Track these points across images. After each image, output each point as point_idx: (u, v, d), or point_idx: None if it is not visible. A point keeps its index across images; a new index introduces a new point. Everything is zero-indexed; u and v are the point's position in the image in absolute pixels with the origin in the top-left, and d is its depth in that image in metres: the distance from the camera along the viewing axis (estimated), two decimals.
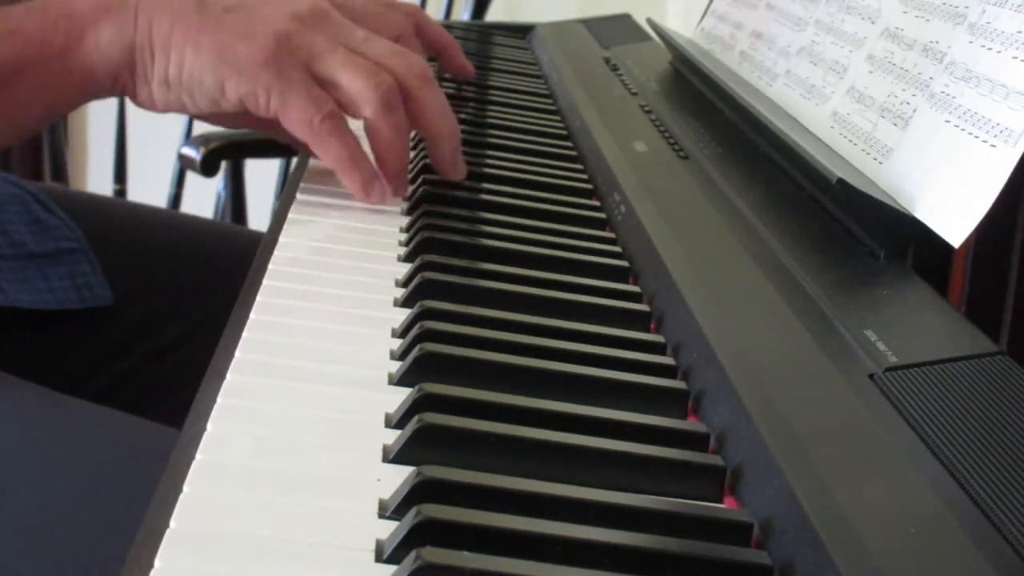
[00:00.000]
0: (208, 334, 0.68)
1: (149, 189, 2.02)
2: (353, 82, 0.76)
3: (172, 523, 0.44)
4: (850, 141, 0.80)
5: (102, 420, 0.81)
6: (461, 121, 1.08)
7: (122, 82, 0.78)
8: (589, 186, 0.91)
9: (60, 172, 1.97)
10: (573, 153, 1.00)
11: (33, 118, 0.80)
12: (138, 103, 0.79)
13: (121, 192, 1.98)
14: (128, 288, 1.05)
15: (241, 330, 0.61)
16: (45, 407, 0.80)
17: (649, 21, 1.29)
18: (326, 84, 0.76)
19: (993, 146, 0.65)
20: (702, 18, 1.20)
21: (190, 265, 1.11)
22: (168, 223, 1.19)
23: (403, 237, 0.78)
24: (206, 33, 0.75)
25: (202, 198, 1.92)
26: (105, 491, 0.74)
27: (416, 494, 0.47)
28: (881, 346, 0.57)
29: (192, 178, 1.79)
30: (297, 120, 0.75)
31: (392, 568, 0.44)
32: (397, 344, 0.62)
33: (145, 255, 1.09)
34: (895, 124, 0.75)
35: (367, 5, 1.13)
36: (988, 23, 0.70)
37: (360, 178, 0.77)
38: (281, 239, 0.74)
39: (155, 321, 1.06)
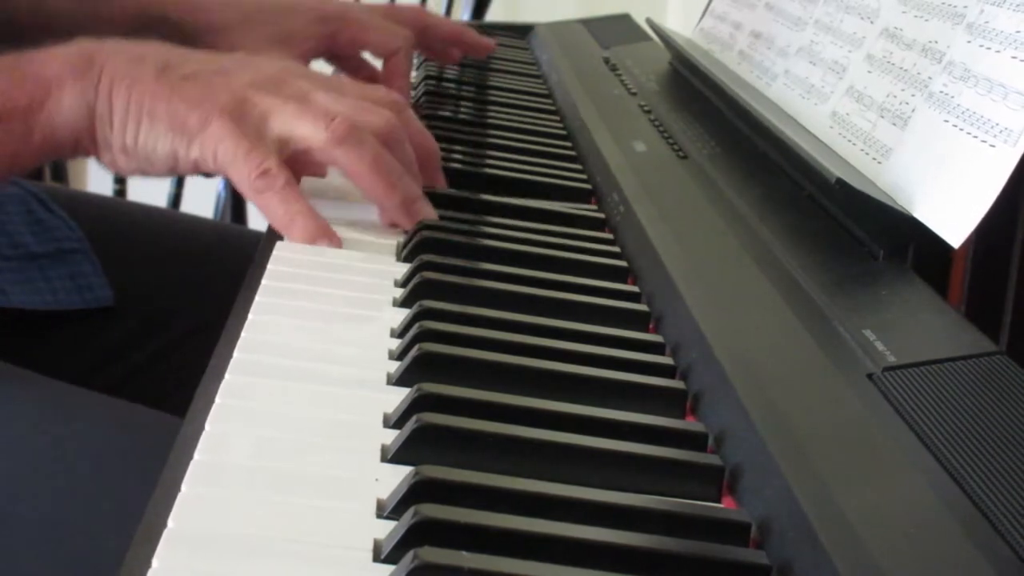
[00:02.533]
0: (208, 334, 0.68)
1: (149, 189, 2.02)
2: (305, 128, 0.75)
3: (170, 523, 0.44)
4: (849, 141, 0.80)
5: (113, 410, 0.81)
6: (461, 121, 1.08)
7: (84, 146, 0.78)
8: (588, 186, 0.91)
9: (60, 172, 1.97)
10: (572, 153, 1.00)
11: None
12: (103, 165, 0.80)
13: (121, 192, 1.98)
14: (128, 288, 1.05)
15: (240, 330, 0.61)
16: (55, 398, 0.81)
17: (648, 21, 1.29)
18: (282, 144, 0.75)
19: (992, 146, 0.65)
20: (701, 18, 1.20)
21: (190, 265, 1.11)
22: (168, 223, 1.19)
23: (402, 237, 0.78)
24: (160, 101, 0.76)
25: (202, 198, 1.92)
26: (116, 481, 0.74)
27: (414, 494, 0.47)
28: (880, 346, 0.57)
29: (192, 178, 1.79)
30: (236, 180, 0.75)
31: (390, 568, 0.44)
32: (396, 344, 0.62)
33: (145, 255, 1.09)
34: (894, 124, 0.75)
35: (369, 18, 1.14)
36: (987, 23, 0.70)
37: (299, 234, 0.74)
38: (280, 239, 0.74)
39: (155, 321, 1.06)
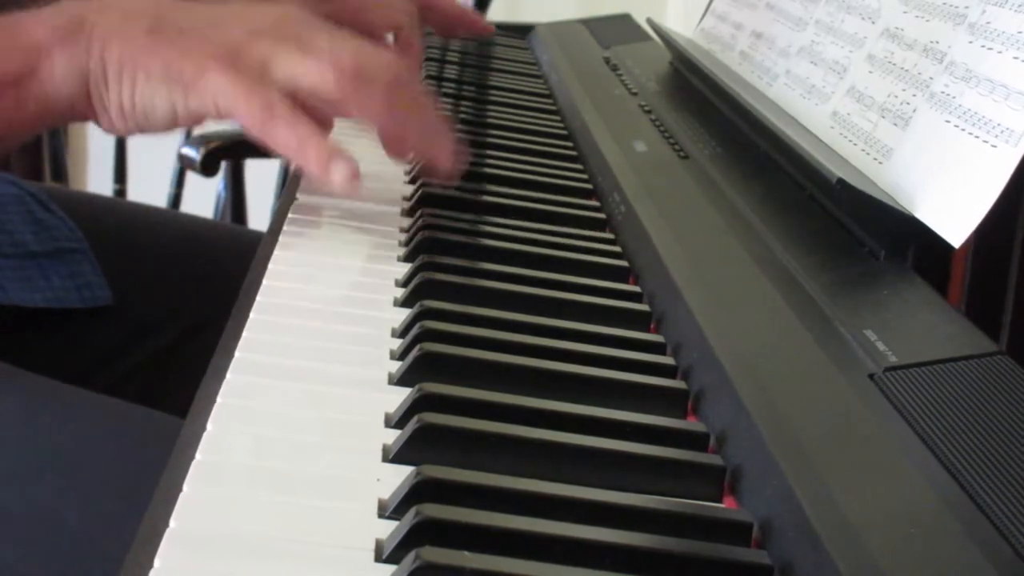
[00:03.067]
0: (208, 334, 0.68)
1: (149, 189, 2.02)
2: (307, 67, 0.73)
3: (172, 523, 0.44)
4: (850, 141, 0.80)
5: (111, 410, 0.81)
6: (461, 121, 1.08)
7: (80, 110, 0.76)
8: (589, 186, 0.91)
9: (60, 172, 1.97)
10: (573, 153, 1.00)
11: None
12: (103, 129, 0.78)
13: (121, 192, 1.98)
14: (128, 288, 1.05)
15: (241, 330, 0.61)
16: (54, 398, 0.80)
17: (649, 21, 1.29)
18: (285, 82, 0.73)
19: (994, 146, 0.65)
20: (702, 18, 1.20)
21: (190, 265, 1.11)
22: (168, 223, 1.19)
23: (403, 237, 0.78)
24: (155, 55, 0.74)
25: (202, 198, 1.92)
26: (116, 481, 0.74)
27: (416, 494, 0.47)
28: (881, 346, 0.57)
29: (192, 178, 1.79)
30: (244, 121, 0.73)
31: (392, 568, 0.44)
32: (397, 344, 0.62)
33: (145, 255, 1.09)
34: (895, 124, 0.75)
35: None
36: (988, 23, 0.70)
37: (314, 160, 0.71)
38: (281, 239, 0.74)
39: (155, 321, 1.06)
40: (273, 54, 0.73)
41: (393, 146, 0.76)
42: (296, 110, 0.72)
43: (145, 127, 0.76)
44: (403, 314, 0.65)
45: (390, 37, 1.10)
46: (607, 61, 1.24)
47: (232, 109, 0.72)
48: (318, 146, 0.71)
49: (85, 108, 0.76)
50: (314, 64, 0.73)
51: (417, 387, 0.55)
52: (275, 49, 0.73)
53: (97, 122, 0.77)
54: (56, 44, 0.74)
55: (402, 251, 0.75)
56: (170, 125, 0.76)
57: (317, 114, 0.76)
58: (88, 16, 0.75)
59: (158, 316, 1.06)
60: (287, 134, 0.71)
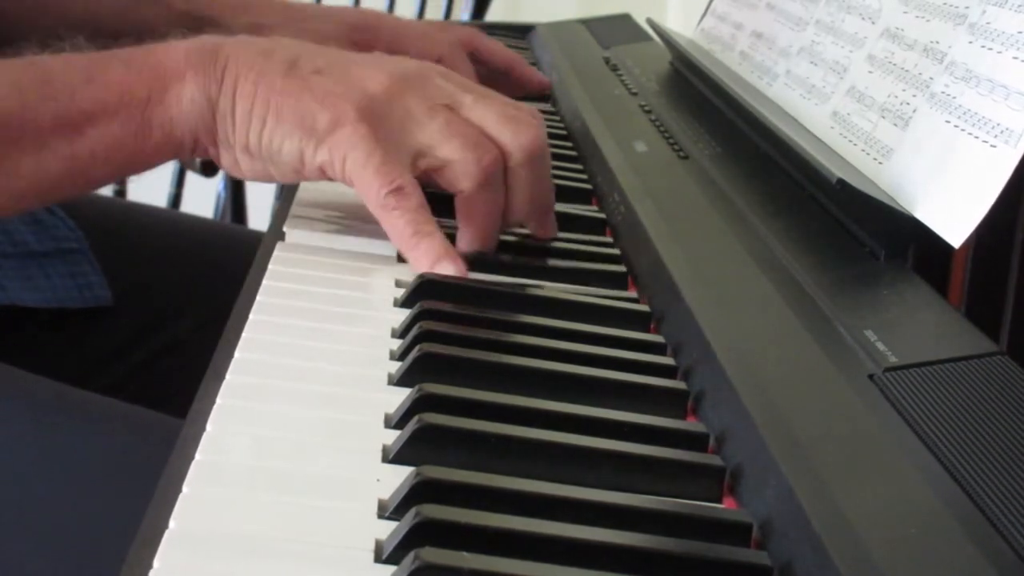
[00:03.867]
0: (208, 334, 0.68)
1: (149, 189, 2.02)
2: (453, 152, 0.70)
3: (171, 523, 0.44)
4: (850, 141, 0.80)
5: (112, 412, 0.81)
6: None
7: (203, 145, 0.73)
8: (589, 186, 0.91)
9: None
10: (573, 153, 1.00)
11: (105, 173, 0.74)
12: (223, 167, 0.74)
13: (121, 192, 1.98)
14: (128, 288, 1.05)
15: (241, 330, 0.61)
16: (53, 399, 0.80)
17: (649, 21, 1.29)
18: (423, 153, 0.71)
19: (993, 146, 0.65)
20: (702, 18, 1.20)
21: (190, 265, 1.11)
22: (168, 223, 1.19)
23: None
24: (288, 98, 0.70)
25: (202, 198, 1.92)
26: (115, 482, 0.74)
27: (415, 494, 0.47)
28: (881, 346, 0.57)
29: (192, 178, 1.79)
30: (364, 193, 0.70)
31: (391, 568, 0.44)
32: (397, 344, 0.62)
33: (145, 255, 1.09)
34: (895, 124, 0.75)
35: (410, 26, 1.10)
36: (988, 23, 0.70)
37: (423, 257, 0.69)
38: (281, 240, 0.74)
39: (155, 321, 1.06)
40: (416, 114, 0.71)
41: (468, 233, 0.74)
42: (422, 204, 0.69)
43: (269, 172, 0.73)
44: (403, 314, 0.65)
45: None
46: (607, 61, 1.24)
47: (357, 179, 0.69)
48: (430, 245, 0.69)
49: (208, 143, 0.72)
50: (458, 147, 0.70)
51: (417, 387, 0.55)
52: (420, 109, 0.71)
53: (218, 160, 0.74)
54: (188, 71, 0.71)
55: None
56: (294, 175, 0.73)
57: (444, 183, 0.73)
58: (223, 48, 0.72)
59: (158, 316, 1.06)
60: (405, 226, 0.69)
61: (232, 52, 0.72)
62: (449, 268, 0.68)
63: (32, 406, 0.79)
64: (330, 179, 0.72)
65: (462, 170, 0.71)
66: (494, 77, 1.09)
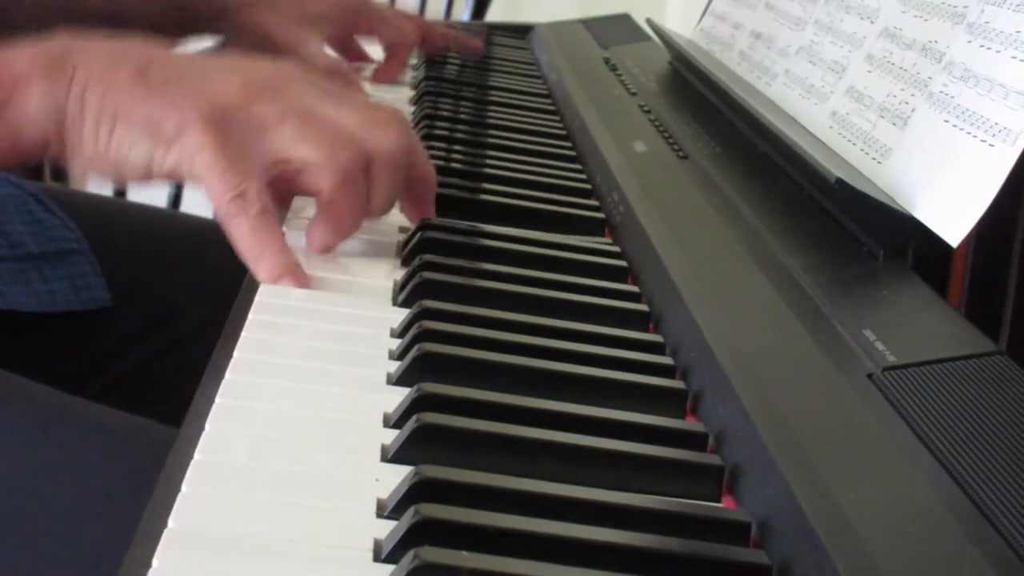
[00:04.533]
0: (207, 334, 0.68)
1: (149, 189, 2.02)
2: (309, 153, 0.69)
3: (170, 523, 0.44)
4: (849, 141, 0.80)
5: (104, 419, 0.81)
6: (461, 121, 1.08)
7: (54, 150, 0.72)
8: (588, 186, 0.91)
9: (60, 172, 1.97)
10: (572, 153, 1.00)
11: None
12: (77, 170, 0.74)
13: (121, 192, 1.98)
14: (128, 288, 1.05)
15: (240, 330, 0.61)
16: (47, 406, 0.80)
17: (649, 21, 1.29)
18: (277, 158, 0.69)
19: (992, 145, 0.65)
20: (701, 18, 1.20)
21: (190, 265, 1.11)
22: (168, 223, 1.19)
23: (402, 237, 0.77)
24: (136, 103, 0.69)
25: (202, 198, 1.92)
26: (107, 491, 0.74)
27: (414, 494, 0.47)
28: (880, 346, 0.57)
29: None
30: (211, 194, 0.69)
31: (390, 568, 0.44)
32: (396, 344, 0.62)
33: (144, 255, 1.09)
34: (894, 124, 0.75)
35: (385, 10, 1.21)
36: (987, 23, 0.70)
37: (265, 269, 0.67)
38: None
39: (155, 321, 1.06)
40: (268, 121, 0.69)
41: (322, 229, 0.72)
42: (266, 211, 0.68)
43: (120, 174, 0.72)
44: (402, 314, 0.65)
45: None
46: (607, 61, 1.24)
47: (204, 181, 0.68)
48: (273, 258, 0.67)
49: (58, 147, 0.72)
50: (311, 151, 0.69)
51: (416, 387, 0.55)
52: (271, 115, 0.70)
53: (69, 162, 0.73)
54: (35, 77, 0.70)
55: (402, 251, 0.75)
56: (144, 177, 0.72)
57: (301, 187, 0.72)
58: (74, 53, 0.71)
59: (158, 316, 1.06)
60: (247, 236, 0.68)
61: (82, 59, 0.71)
62: (290, 284, 0.67)
63: (28, 413, 0.79)
64: (179, 181, 0.73)
65: (319, 169, 0.69)
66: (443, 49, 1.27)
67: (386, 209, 0.74)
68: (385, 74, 1.22)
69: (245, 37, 1.12)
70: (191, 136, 0.68)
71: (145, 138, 0.69)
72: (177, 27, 1.12)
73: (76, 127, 0.70)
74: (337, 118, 0.71)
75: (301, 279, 0.67)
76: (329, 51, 1.17)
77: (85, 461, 0.76)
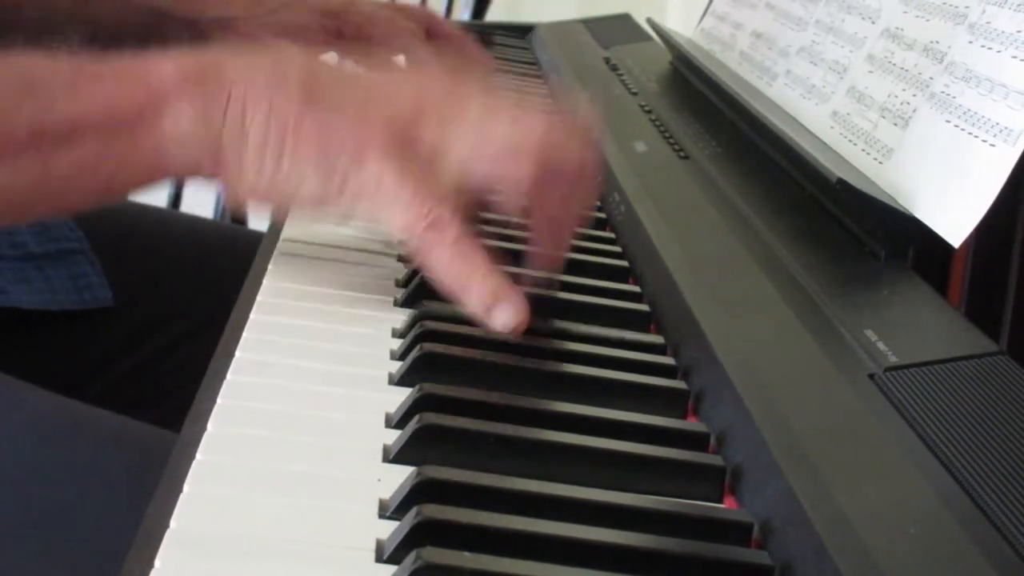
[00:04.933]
0: (208, 334, 0.67)
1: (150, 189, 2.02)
2: (491, 169, 0.63)
3: (172, 523, 0.44)
4: (850, 141, 0.80)
5: (103, 423, 0.80)
6: None
7: (207, 171, 0.65)
8: None
9: None
10: None
11: (85, 194, 0.66)
12: (239, 195, 0.66)
13: None
14: (129, 288, 1.05)
15: (241, 330, 0.61)
16: (46, 409, 0.80)
17: (649, 21, 1.29)
18: (462, 180, 0.64)
19: (993, 145, 0.65)
20: (702, 18, 1.20)
21: (190, 265, 1.11)
22: (168, 223, 1.19)
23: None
24: (308, 129, 0.63)
25: (202, 198, 1.92)
26: (105, 494, 0.74)
27: (416, 494, 0.47)
28: (881, 346, 0.57)
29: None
30: (402, 229, 0.62)
31: (392, 568, 0.44)
32: (397, 344, 0.62)
33: (145, 255, 1.09)
34: (895, 124, 0.75)
35: (376, 11, 1.14)
36: (988, 23, 0.70)
37: (476, 300, 0.62)
38: (281, 239, 0.74)
39: (156, 321, 1.06)
40: (445, 136, 0.63)
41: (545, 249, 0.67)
42: (464, 236, 0.62)
43: (287, 205, 0.67)
44: (403, 314, 0.65)
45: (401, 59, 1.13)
46: (607, 61, 1.24)
47: (390, 212, 0.62)
48: (483, 282, 0.61)
49: (214, 170, 0.64)
50: (502, 162, 0.63)
51: (418, 387, 0.55)
52: (448, 130, 0.64)
53: (226, 189, 0.66)
54: (185, 94, 0.63)
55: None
56: (315, 208, 0.65)
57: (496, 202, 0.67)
58: (226, 65, 0.64)
59: (158, 316, 1.06)
60: (450, 267, 0.62)
61: (239, 74, 0.64)
62: (504, 315, 0.61)
63: (28, 416, 0.78)
64: (356, 220, 0.67)
65: (513, 182, 0.64)
66: (451, 53, 1.14)
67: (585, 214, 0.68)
68: None
69: None
70: (371, 164, 0.62)
71: (319, 167, 0.63)
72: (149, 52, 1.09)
73: (236, 154, 0.63)
74: (518, 129, 0.65)
75: (517, 303, 0.61)
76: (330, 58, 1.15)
77: (83, 464, 0.75)
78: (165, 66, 0.64)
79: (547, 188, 0.65)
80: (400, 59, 1.11)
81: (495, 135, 0.64)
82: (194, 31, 1.07)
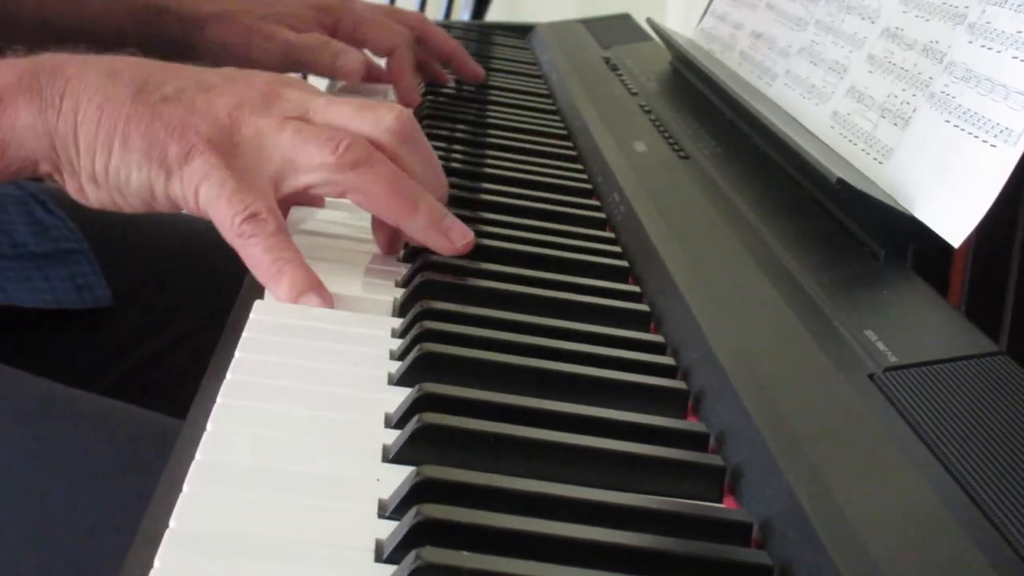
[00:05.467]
0: (208, 334, 0.68)
1: None
2: (310, 158, 0.66)
3: (172, 523, 0.44)
4: (850, 141, 0.80)
5: (108, 413, 0.80)
6: (461, 121, 1.08)
7: (45, 171, 0.68)
8: (589, 186, 0.91)
9: None
10: (573, 153, 1.00)
11: None
12: (72, 195, 0.70)
13: None
14: (128, 288, 1.05)
15: (241, 330, 0.61)
16: (49, 399, 0.80)
17: (649, 21, 1.29)
18: (282, 173, 0.67)
19: (993, 146, 0.65)
20: (702, 18, 1.20)
21: (190, 265, 1.11)
22: (168, 223, 1.19)
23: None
24: (136, 125, 0.66)
25: None
26: (110, 484, 0.74)
27: (416, 494, 0.47)
28: (881, 346, 0.57)
29: None
30: (218, 223, 0.66)
31: (392, 568, 0.44)
32: (397, 344, 0.62)
33: (145, 255, 1.09)
34: (895, 124, 0.75)
35: (370, 13, 1.15)
36: (988, 23, 0.70)
37: (286, 289, 0.65)
38: None
39: (155, 321, 1.06)
40: (266, 132, 0.67)
41: (400, 226, 0.70)
42: (281, 229, 0.66)
43: (117, 202, 0.69)
44: (403, 315, 0.65)
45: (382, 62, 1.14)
46: (607, 61, 1.24)
47: (211, 210, 0.66)
48: (293, 275, 0.65)
49: (51, 169, 0.68)
50: (313, 146, 0.67)
51: (417, 387, 0.55)
52: (269, 126, 0.67)
53: (63, 186, 0.70)
54: (21, 95, 0.67)
55: (402, 251, 0.75)
56: (144, 207, 0.69)
57: (314, 198, 0.72)
58: (64, 69, 0.68)
59: (158, 316, 1.06)
60: (263, 255, 0.65)
61: (74, 73, 0.67)
62: (313, 301, 0.64)
63: (27, 407, 0.78)
64: (182, 211, 0.69)
65: (322, 171, 0.67)
66: (436, 64, 1.18)
67: (437, 175, 0.71)
68: (401, 94, 1.12)
69: (219, 52, 1.10)
70: (195, 163, 0.66)
71: (147, 164, 0.67)
72: (144, 49, 1.09)
73: (71, 149, 0.67)
74: (336, 115, 0.69)
75: (324, 296, 0.65)
76: None
77: (86, 454, 0.75)
78: (3, 68, 0.67)
79: (365, 160, 0.67)
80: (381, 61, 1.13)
81: (310, 122, 0.68)
82: (189, 25, 1.08)
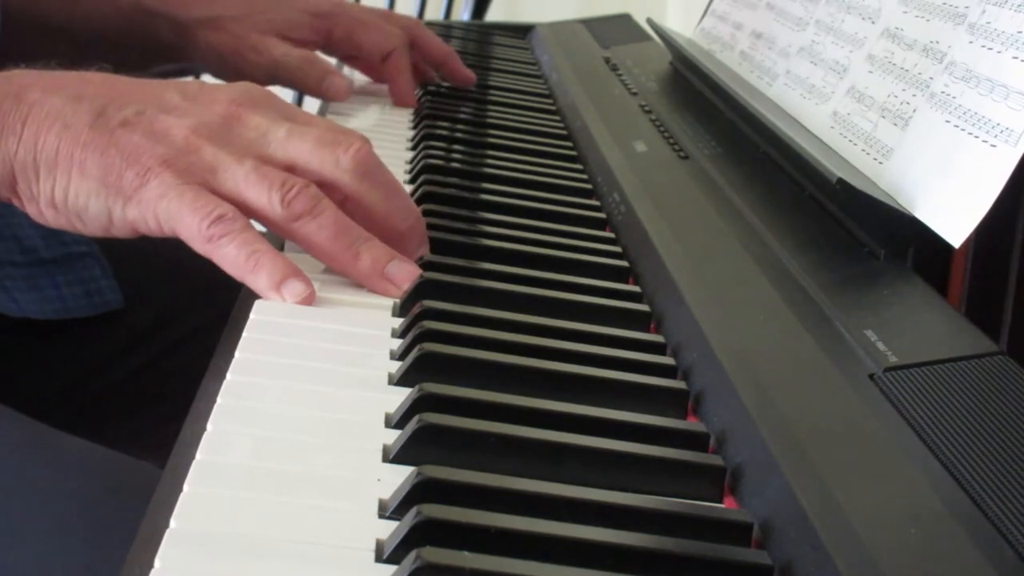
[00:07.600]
0: (209, 335, 0.67)
1: None
2: (257, 196, 0.66)
3: (172, 523, 0.44)
4: (850, 141, 0.80)
5: (82, 456, 0.77)
6: (460, 121, 1.08)
7: (5, 196, 0.69)
8: (589, 186, 0.91)
9: None
10: (573, 153, 1.00)
11: None
12: (32, 218, 0.70)
13: None
14: (136, 289, 1.05)
15: (241, 330, 0.61)
16: (22, 441, 0.77)
17: (649, 21, 1.29)
18: (234, 199, 0.67)
19: (993, 146, 0.65)
20: (702, 18, 1.20)
21: (193, 265, 1.10)
22: None
23: None
24: (91, 152, 0.66)
25: None
26: (82, 528, 0.72)
27: (416, 494, 0.47)
28: (881, 346, 0.57)
29: None
30: (187, 235, 0.65)
31: (392, 568, 0.44)
32: (397, 344, 0.62)
33: (149, 256, 1.09)
34: (895, 124, 0.75)
35: (365, 15, 1.15)
36: (988, 23, 0.70)
37: (265, 279, 0.64)
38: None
39: (161, 321, 1.06)
40: (220, 164, 0.67)
41: (342, 274, 0.69)
42: (249, 225, 0.65)
43: (77, 227, 0.69)
44: (403, 315, 0.65)
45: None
46: (607, 61, 1.24)
47: (175, 224, 0.65)
48: (271, 264, 0.64)
49: (9, 194, 0.69)
50: (264, 191, 0.66)
51: (417, 387, 0.55)
52: (224, 160, 0.67)
53: (24, 209, 0.70)
54: None
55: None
56: (103, 232, 0.69)
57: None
58: (27, 93, 0.68)
59: (164, 316, 1.06)
60: (238, 252, 0.64)
61: (36, 100, 0.68)
62: (296, 287, 0.64)
63: (11, 445, 0.77)
64: (144, 235, 0.68)
65: (270, 214, 0.67)
66: (433, 66, 1.19)
67: (402, 207, 0.71)
68: (398, 97, 1.14)
69: (211, 58, 1.10)
70: (151, 184, 0.66)
71: (103, 188, 0.67)
72: (137, 52, 1.09)
73: (29, 174, 0.67)
74: (296, 150, 0.68)
75: (305, 281, 0.65)
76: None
77: (61, 499, 0.73)
78: None
79: (310, 210, 0.67)
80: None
81: (267, 167, 0.67)
82: (181, 30, 1.08)
